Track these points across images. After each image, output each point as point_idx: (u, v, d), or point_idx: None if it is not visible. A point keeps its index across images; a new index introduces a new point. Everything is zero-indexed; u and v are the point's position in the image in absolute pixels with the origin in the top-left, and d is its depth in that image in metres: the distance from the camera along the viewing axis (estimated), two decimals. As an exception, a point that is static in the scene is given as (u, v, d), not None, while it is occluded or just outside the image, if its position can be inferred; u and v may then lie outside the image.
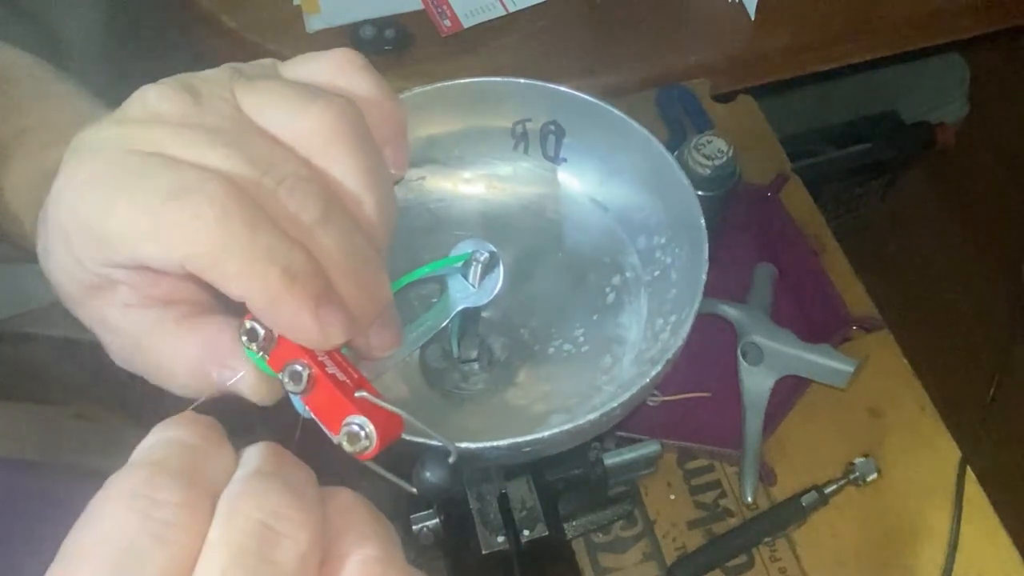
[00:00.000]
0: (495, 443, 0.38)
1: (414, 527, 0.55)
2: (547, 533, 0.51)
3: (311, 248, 0.28)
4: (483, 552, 0.50)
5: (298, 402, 0.31)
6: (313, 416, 0.31)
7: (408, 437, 0.34)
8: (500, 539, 0.51)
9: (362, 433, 0.29)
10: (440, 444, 0.35)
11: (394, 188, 0.33)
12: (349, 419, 0.29)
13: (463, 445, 0.38)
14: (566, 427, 0.39)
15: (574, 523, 0.58)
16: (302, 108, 0.29)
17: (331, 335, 0.29)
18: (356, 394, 0.30)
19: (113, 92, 0.40)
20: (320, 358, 0.30)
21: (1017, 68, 1.35)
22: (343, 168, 0.30)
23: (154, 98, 0.29)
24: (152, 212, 0.27)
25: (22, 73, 0.43)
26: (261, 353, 0.30)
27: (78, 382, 0.55)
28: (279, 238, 0.28)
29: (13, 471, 0.47)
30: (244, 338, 0.30)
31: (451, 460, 0.36)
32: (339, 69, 0.32)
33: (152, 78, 0.31)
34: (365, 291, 0.30)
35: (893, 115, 1.33)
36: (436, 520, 0.54)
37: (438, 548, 0.55)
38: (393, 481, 0.33)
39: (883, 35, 0.91)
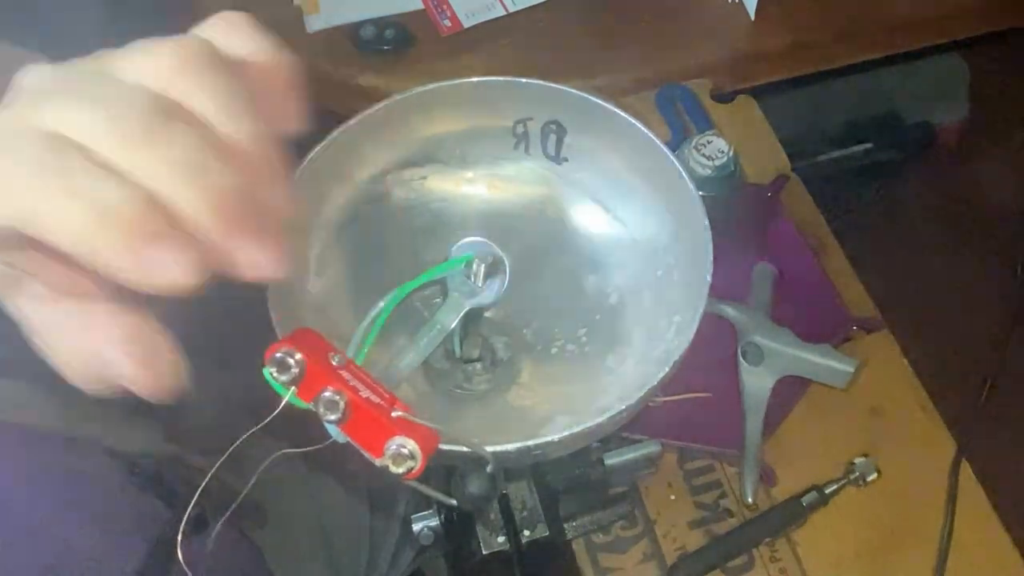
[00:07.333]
0: (504, 447, 0.38)
1: (414, 527, 0.55)
2: (547, 533, 0.51)
3: (142, 177, 0.25)
4: (483, 552, 0.51)
5: (333, 428, 0.30)
6: (349, 440, 0.30)
7: (443, 447, 0.34)
8: (500, 539, 0.51)
9: (406, 453, 0.29)
10: (478, 454, 0.35)
11: (289, 139, 0.30)
12: (391, 441, 0.29)
13: (492, 449, 0.37)
14: (574, 430, 0.38)
15: (574, 523, 0.58)
16: (152, 48, 0.28)
17: (159, 276, 0.25)
18: (392, 414, 0.30)
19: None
20: (351, 383, 0.30)
21: (1017, 68, 1.35)
22: (200, 97, 0.27)
23: (32, 76, 0.28)
24: None
25: None
26: (291, 387, 0.30)
27: None
28: (89, 174, 0.25)
29: (36, 441, 0.46)
30: (273, 370, 0.29)
31: (489, 470, 0.36)
32: (213, 31, 0.30)
33: None
34: (222, 208, 0.26)
35: (893, 115, 1.33)
36: (436, 520, 0.54)
37: (438, 548, 0.55)
38: (434, 496, 0.33)
39: (883, 35, 0.91)
